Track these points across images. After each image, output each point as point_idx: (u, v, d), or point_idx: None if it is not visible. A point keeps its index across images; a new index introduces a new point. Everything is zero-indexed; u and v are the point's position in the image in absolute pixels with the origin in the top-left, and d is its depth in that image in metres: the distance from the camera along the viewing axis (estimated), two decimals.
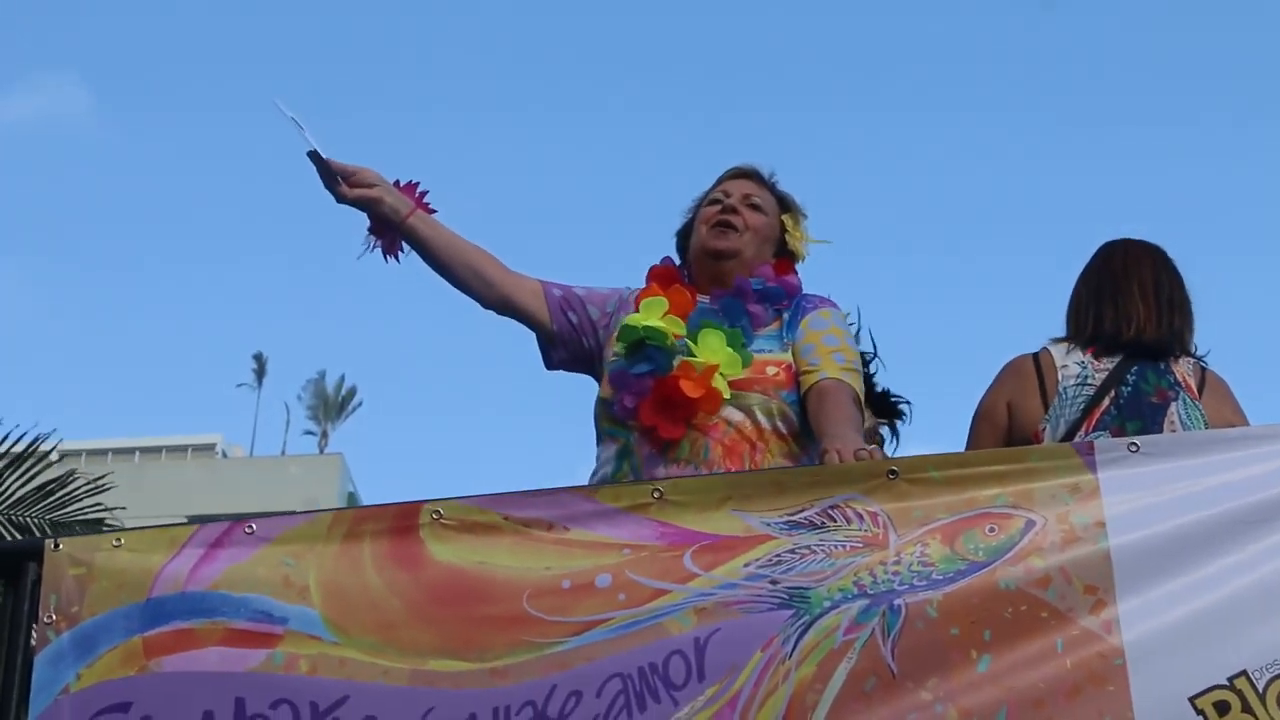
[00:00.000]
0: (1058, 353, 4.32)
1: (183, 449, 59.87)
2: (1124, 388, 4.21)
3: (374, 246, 4.29)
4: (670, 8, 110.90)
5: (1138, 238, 4.66)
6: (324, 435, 71.42)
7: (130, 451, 56.95)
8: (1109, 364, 4.29)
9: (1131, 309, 4.40)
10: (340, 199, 4.20)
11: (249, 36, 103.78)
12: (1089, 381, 4.23)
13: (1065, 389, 4.24)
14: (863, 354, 4.76)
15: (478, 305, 4.31)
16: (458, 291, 4.29)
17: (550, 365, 4.39)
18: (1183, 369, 4.31)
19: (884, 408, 4.95)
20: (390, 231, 4.25)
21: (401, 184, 4.28)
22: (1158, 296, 4.44)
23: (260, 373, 71.04)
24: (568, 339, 4.33)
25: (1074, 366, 4.28)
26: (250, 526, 3.32)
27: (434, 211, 4.30)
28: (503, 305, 4.30)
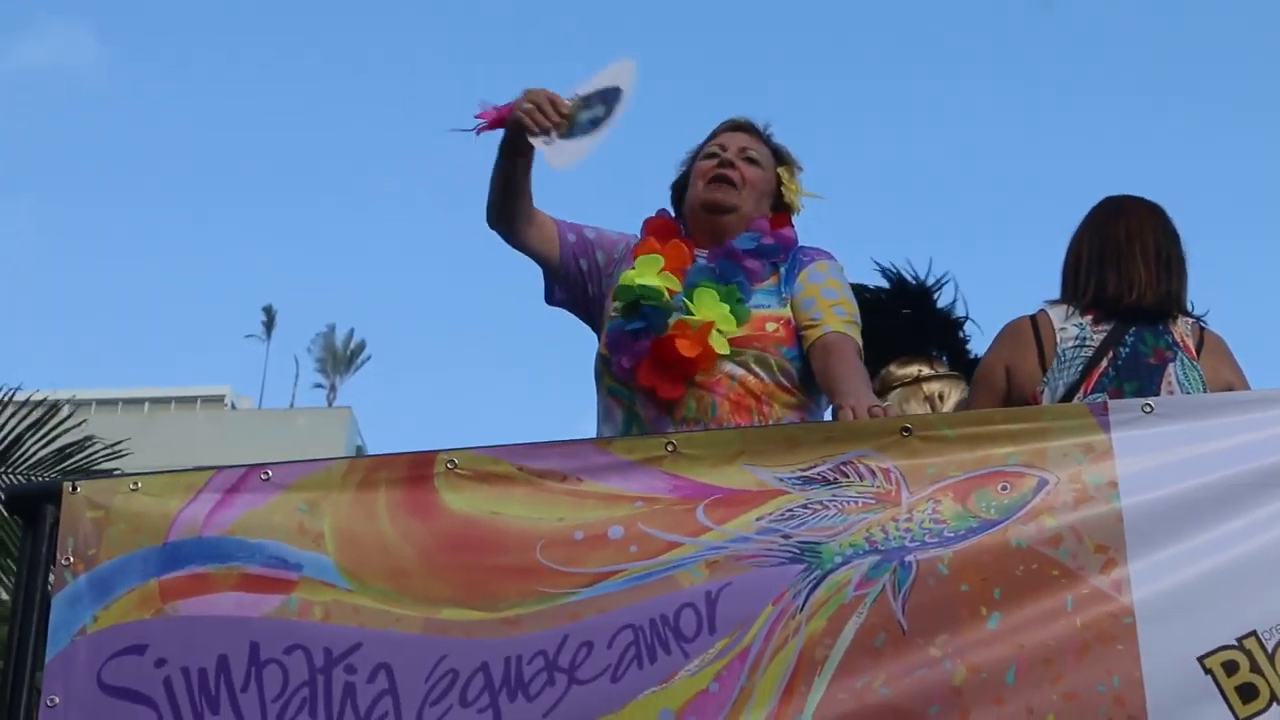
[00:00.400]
0: (1056, 315, 4.32)
1: (192, 400, 59.90)
2: (1122, 349, 4.21)
3: (478, 119, 4.12)
4: None
5: (1136, 196, 4.61)
6: (332, 388, 71.59)
7: (140, 402, 56.98)
8: (1107, 326, 4.27)
9: (1134, 274, 4.36)
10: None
11: None
12: (1087, 343, 4.21)
13: (1064, 351, 4.23)
14: (925, 283, 4.81)
15: (499, 238, 4.26)
16: (487, 210, 4.22)
17: (550, 301, 4.37)
18: (1181, 329, 4.29)
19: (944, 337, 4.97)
20: (510, 134, 4.08)
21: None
22: (1158, 259, 4.41)
23: (269, 325, 71.10)
24: (573, 282, 4.31)
25: (1072, 329, 4.26)
26: (266, 473, 3.34)
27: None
28: (520, 242, 4.27)
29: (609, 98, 4.04)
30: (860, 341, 4.09)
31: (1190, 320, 4.34)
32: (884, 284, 5.16)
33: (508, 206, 4.20)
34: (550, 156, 3.99)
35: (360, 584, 3.22)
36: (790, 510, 3.19)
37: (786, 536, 3.16)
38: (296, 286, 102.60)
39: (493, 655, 3.14)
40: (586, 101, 4.03)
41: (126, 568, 3.27)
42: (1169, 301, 4.35)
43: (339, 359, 72.86)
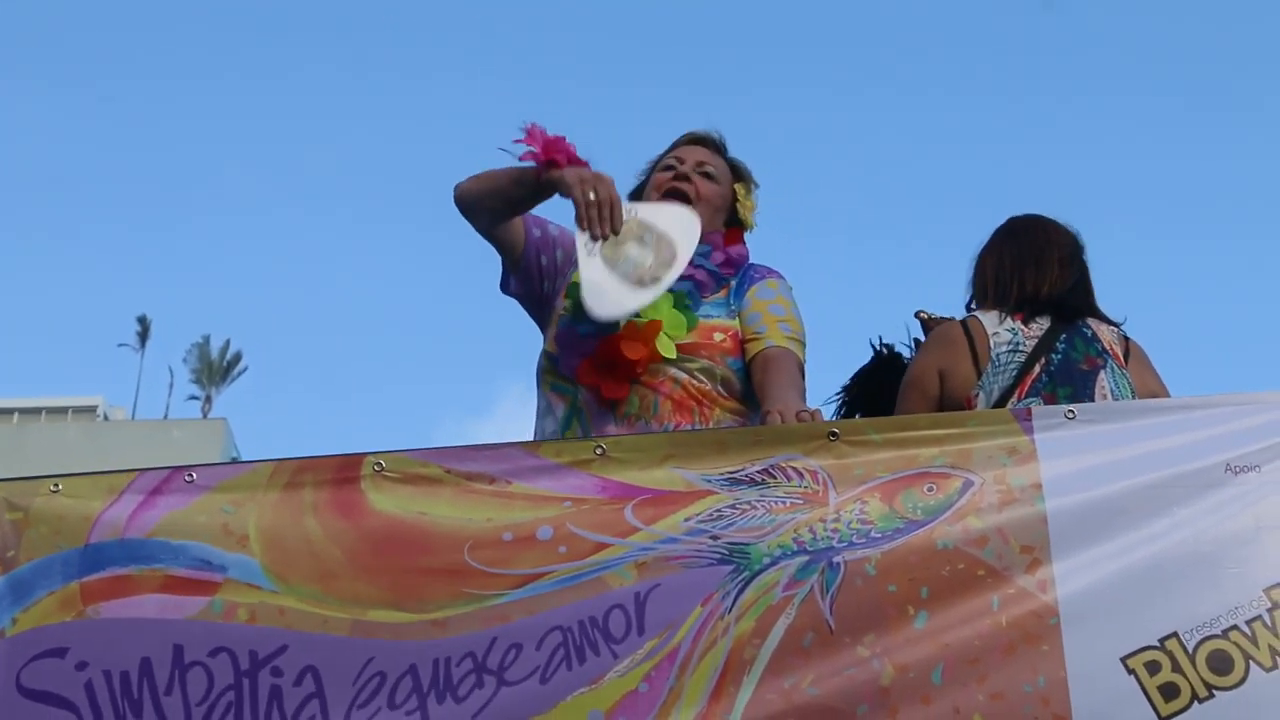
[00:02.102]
0: (988, 320, 4.36)
1: (63, 410, 58.90)
2: (1054, 355, 4.26)
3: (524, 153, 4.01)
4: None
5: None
6: (208, 399, 70.74)
7: (9, 412, 56.01)
8: (1038, 330, 4.33)
9: (1050, 272, 4.47)
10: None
11: None
12: (1020, 348, 4.27)
13: (998, 355, 4.28)
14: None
15: (463, 219, 4.19)
16: (458, 197, 4.14)
17: (505, 290, 4.35)
18: (1109, 337, 4.37)
19: None
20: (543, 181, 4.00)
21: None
22: (1071, 265, 4.53)
23: (144, 335, 70.16)
24: (530, 276, 4.28)
25: (1005, 333, 4.32)
26: (190, 475, 3.29)
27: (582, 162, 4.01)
28: (488, 233, 4.22)
29: (664, 251, 3.91)
30: (803, 359, 4.11)
31: (1115, 329, 4.42)
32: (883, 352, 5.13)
33: (490, 208, 4.16)
34: (586, 293, 3.86)
35: (286, 586, 3.19)
36: (718, 511, 3.20)
37: (715, 537, 3.17)
38: (171, 296, 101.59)
39: (421, 657, 3.12)
40: (641, 234, 3.91)
41: (46, 570, 3.21)
42: (1083, 298, 4.46)
43: (214, 370, 72.06)
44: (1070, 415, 3.29)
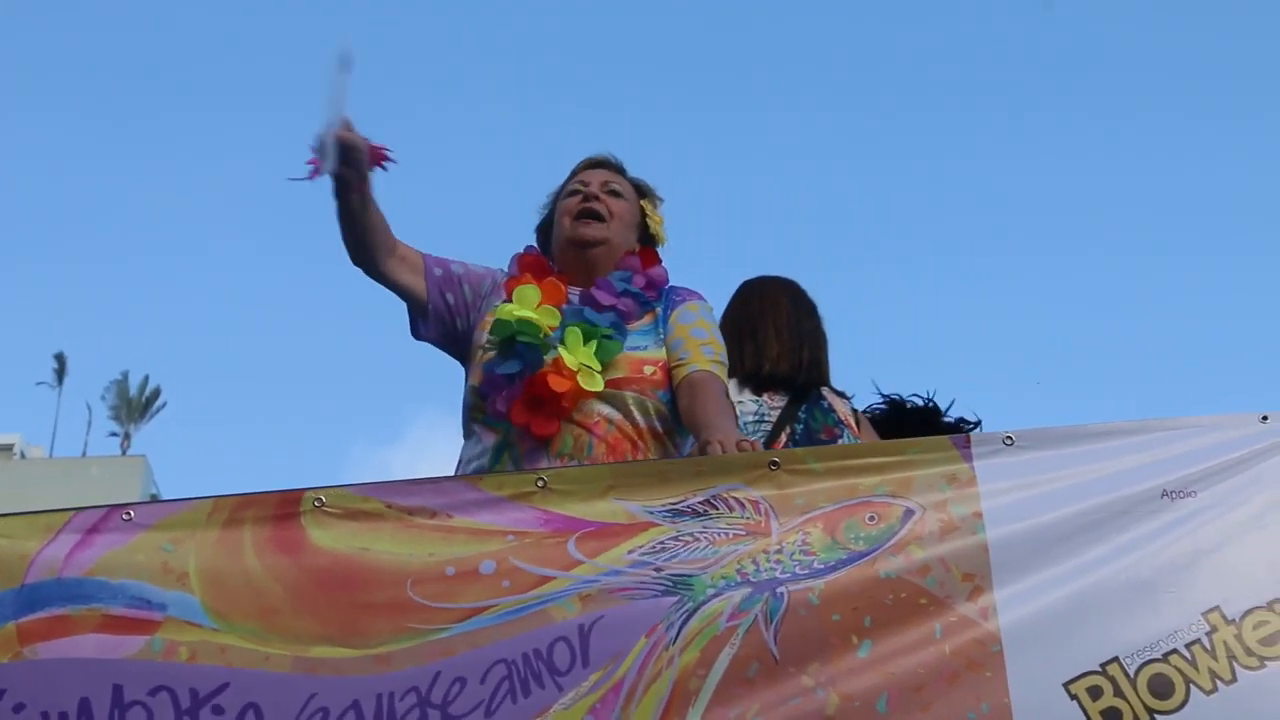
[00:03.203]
0: (732, 389, 4.45)
1: None
2: (797, 425, 4.46)
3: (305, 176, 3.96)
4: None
5: (773, 275, 5.00)
6: (126, 436, 70.17)
7: None
8: (780, 402, 4.53)
9: (768, 345, 4.69)
10: (334, 170, 3.94)
11: None
12: (766, 419, 4.46)
13: (744, 425, 4.46)
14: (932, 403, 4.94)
15: (358, 269, 4.16)
16: (345, 249, 4.11)
17: (417, 336, 4.31)
18: (842, 409, 4.59)
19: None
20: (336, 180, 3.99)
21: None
22: (791, 331, 4.73)
23: (61, 372, 69.62)
24: (441, 318, 4.24)
25: (750, 404, 4.51)
26: (128, 513, 3.26)
27: (383, 167, 4.04)
28: (384, 277, 4.18)
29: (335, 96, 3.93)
30: (726, 382, 4.10)
31: (845, 400, 4.66)
32: (889, 404, 5.18)
33: (361, 241, 4.10)
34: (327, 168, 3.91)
35: (227, 623, 3.15)
36: (661, 543, 3.20)
37: (659, 569, 3.17)
38: (88, 333, 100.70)
39: (364, 693, 3.09)
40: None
41: None
42: (801, 369, 4.67)
43: (133, 407, 71.58)
44: (1008, 441, 3.32)
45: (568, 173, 4.48)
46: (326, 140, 3.85)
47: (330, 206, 4.06)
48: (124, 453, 65.08)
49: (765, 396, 4.53)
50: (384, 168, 4.05)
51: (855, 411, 4.65)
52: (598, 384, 4.00)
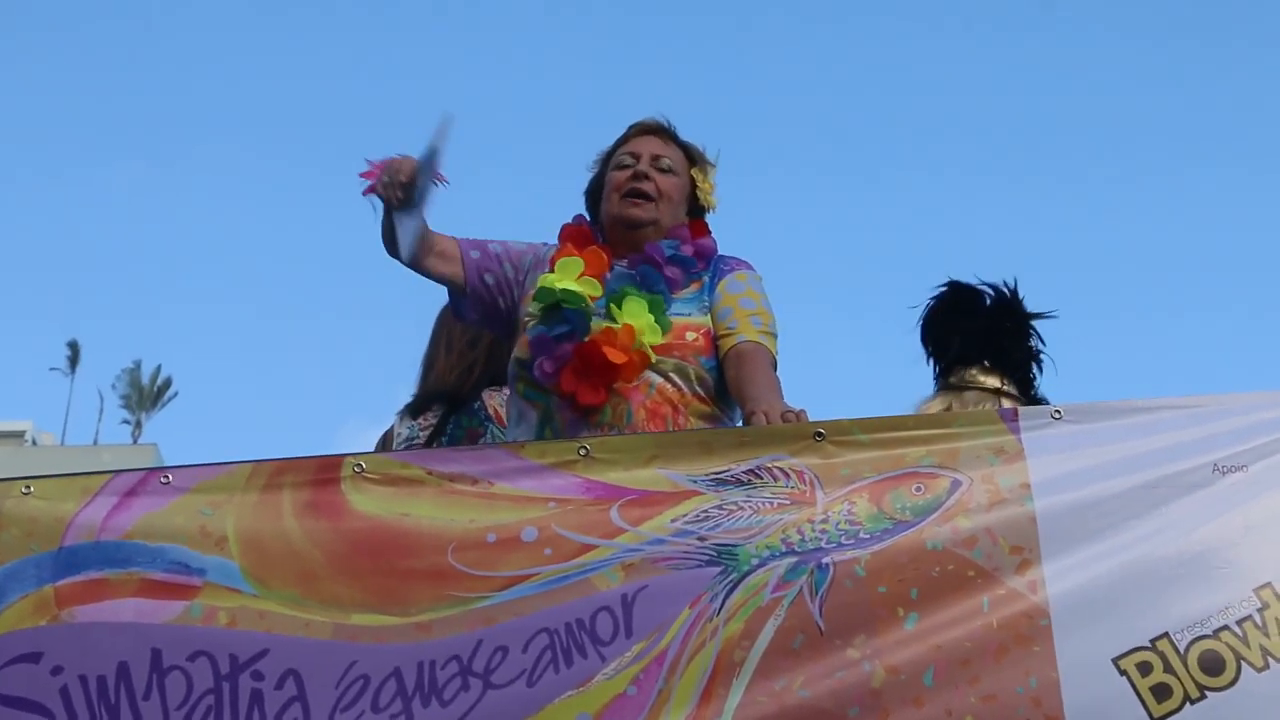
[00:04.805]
0: (398, 423, 4.56)
1: None
2: (444, 438, 4.44)
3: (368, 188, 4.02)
4: None
5: None
6: (138, 425, 70.30)
7: None
8: (433, 419, 4.52)
9: (437, 363, 4.69)
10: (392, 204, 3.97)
11: None
12: (416, 439, 4.44)
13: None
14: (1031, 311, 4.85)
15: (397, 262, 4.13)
16: (387, 252, 4.10)
17: (459, 317, 4.33)
18: (495, 400, 4.54)
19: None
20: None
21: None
22: (463, 342, 4.69)
23: (74, 360, 69.66)
24: (481, 299, 4.22)
25: (405, 431, 4.50)
26: (166, 476, 3.23)
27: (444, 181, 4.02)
28: (426, 272, 4.17)
29: (431, 160, 3.92)
30: (775, 353, 4.06)
31: (500, 391, 4.55)
32: (996, 292, 5.06)
33: (409, 248, 4.05)
34: (401, 237, 3.97)
35: (266, 589, 3.12)
36: (705, 511, 3.17)
37: (702, 539, 3.14)
38: (102, 321, 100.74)
39: (405, 661, 3.06)
40: (422, 167, 3.90)
41: (19, 573, 3.14)
42: (470, 379, 4.63)
43: (145, 395, 71.71)
44: (1057, 415, 3.28)
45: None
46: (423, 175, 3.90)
47: (379, 218, 4.08)
48: (135, 441, 65.10)
49: (421, 419, 4.54)
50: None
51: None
52: (650, 355, 3.96)
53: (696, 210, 4.35)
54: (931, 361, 4.93)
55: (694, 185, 4.34)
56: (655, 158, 4.28)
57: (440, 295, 4.38)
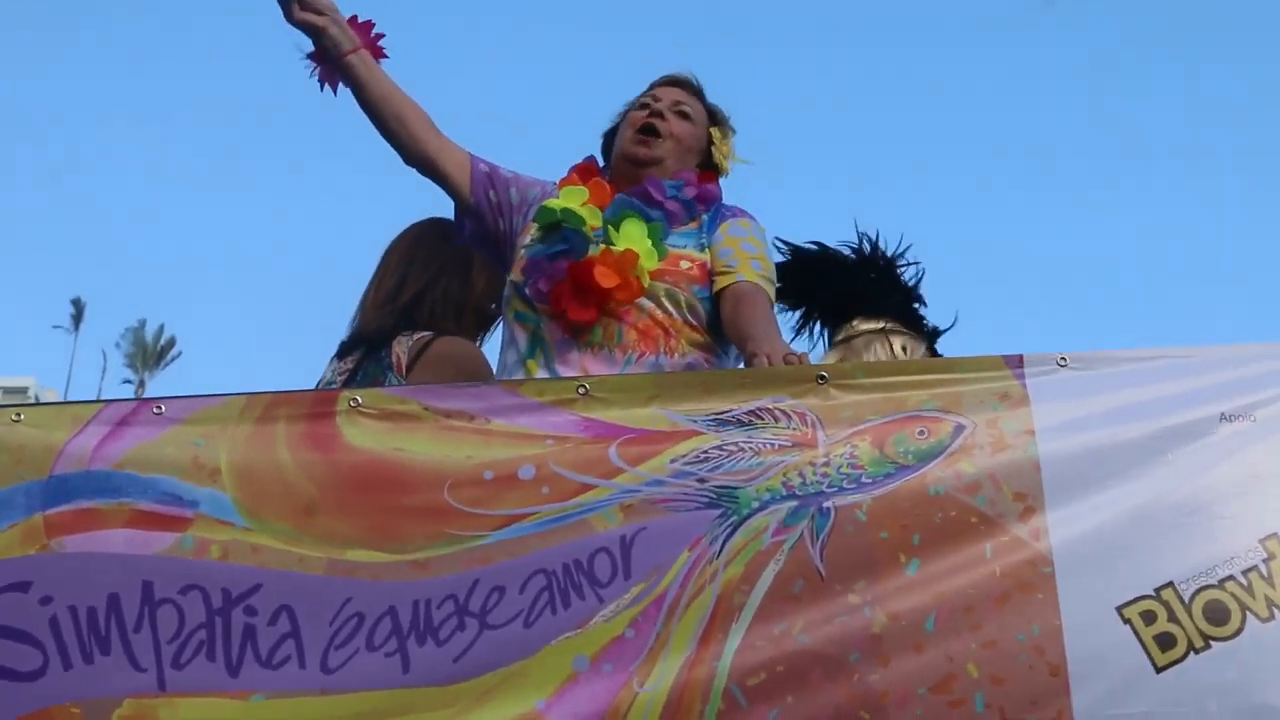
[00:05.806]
0: (326, 367, 4.46)
1: None
2: (354, 384, 4.28)
3: (314, 74, 4.16)
4: None
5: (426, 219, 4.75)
6: (141, 384, 70.09)
7: None
8: (351, 363, 4.39)
9: (366, 304, 4.56)
10: (288, 18, 4.07)
11: None
12: (333, 384, 4.32)
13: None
14: (893, 253, 4.85)
15: (399, 158, 4.19)
16: (383, 139, 4.16)
17: (460, 236, 4.32)
18: (401, 347, 4.33)
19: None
20: (329, 63, 4.14)
21: (359, 20, 4.15)
22: (395, 283, 4.54)
23: (78, 317, 69.39)
24: (481, 215, 4.23)
25: (328, 374, 4.42)
26: (159, 407, 3.17)
27: (384, 56, 4.17)
28: (426, 163, 4.18)
29: None
30: (774, 299, 4.05)
31: (424, 335, 4.36)
32: (854, 245, 5.08)
33: (395, 125, 4.13)
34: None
35: (260, 522, 3.08)
36: (705, 452, 3.12)
37: (702, 480, 3.09)
38: (106, 279, 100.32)
39: (400, 599, 3.02)
40: None
41: (8, 501, 3.08)
42: (395, 321, 4.44)
43: (148, 355, 71.59)
44: (1062, 362, 3.23)
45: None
46: None
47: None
48: None
49: (342, 362, 4.41)
50: (381, 51, 4.16)
51: (429, 340, 4.32)
52: (645, 279, 3.95)
53: (710, 168, 4.33)
54: (818, 330, 5.02)
55: (710, 143, 4.32)
56: (676, 103, 4.29)
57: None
